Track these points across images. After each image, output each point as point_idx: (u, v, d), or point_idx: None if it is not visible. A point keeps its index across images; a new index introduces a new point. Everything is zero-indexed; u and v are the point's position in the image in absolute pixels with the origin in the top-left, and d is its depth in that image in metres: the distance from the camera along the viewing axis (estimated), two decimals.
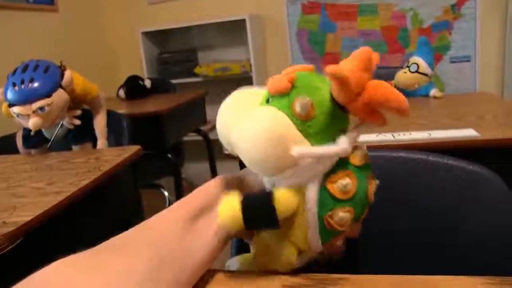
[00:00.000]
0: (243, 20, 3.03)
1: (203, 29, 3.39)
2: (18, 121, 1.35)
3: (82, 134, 1.54)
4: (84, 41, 3.28)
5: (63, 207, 0.98)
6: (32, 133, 1.36)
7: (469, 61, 3.01)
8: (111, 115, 1.66)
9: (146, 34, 3.30)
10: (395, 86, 1.67)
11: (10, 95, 1.28)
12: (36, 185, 1.12)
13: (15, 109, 1.28)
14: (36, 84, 1.29)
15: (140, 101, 2.53)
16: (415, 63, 1.64)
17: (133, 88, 2.57)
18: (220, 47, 3.43)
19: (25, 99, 1.27)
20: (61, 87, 1.35)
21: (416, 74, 1.63)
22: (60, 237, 1.07)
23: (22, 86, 1.28)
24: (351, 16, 3.14)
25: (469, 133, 1.08)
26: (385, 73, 1.91)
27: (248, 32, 3.04)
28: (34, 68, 1.32)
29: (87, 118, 1.56)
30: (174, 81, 3.08)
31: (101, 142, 1.57)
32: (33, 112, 1.27)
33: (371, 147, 1.07)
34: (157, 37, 3.41)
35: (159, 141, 2.16)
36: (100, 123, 1.58)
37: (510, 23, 2.85)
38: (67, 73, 1.37)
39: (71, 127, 1.44)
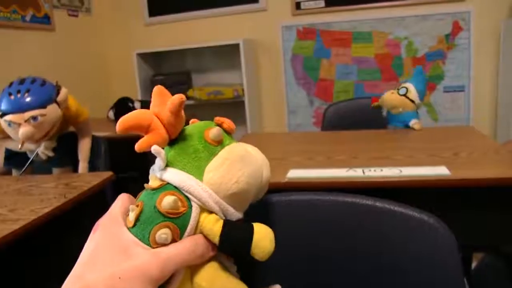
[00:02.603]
0: (237, 45, 3.03)
1: (197, 53, 3.40)
2: (7, 134, 1.34)
3: (64, 158, 1.53)
4: (80, 61, 3.30)
5: (18, 235, 0.95)
6: (19, 147, 1.33)
7: (463, 91, 2.99)
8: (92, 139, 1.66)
9: (141, 56, 3.31)
10: (379, 105, 1.66)
11: (4, 104, 1.28)
12: None
13: (8, 117, 1.26)
14: (32, 95, 1.29)
15: None
16: (405, 87, 1.62)
17: (122, 110, 2.56)
18: (214, 71, 3.44)
19: (19, 108, 1.26)
20: (56, 103, 1.35)
21: (403, 97, 1.61)
22: (15, 267, 1.04)
23: (18, 96, 1.27)
24: (345, 42, 3.15)
25: (440, 171, 1.05)
26: (368, 103, 1.88)
27: (242, 56, 3.04)
28: (31, 82, 1.32)
29: (71, 142, 1.56)
30: None
31: (83, 166, 1.56)
32: (25, 121, 1.26)
33: (328, 185, 1.05)
34: (152, 59, 3.43)
35: (143, 164, 2.13)
36: (84, 147, 1.57)
37: (503, 53, 2.84)
38: (64, 90, 1.37)
39: (45, 157, 1.43)
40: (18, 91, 1.28)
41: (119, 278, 0.37)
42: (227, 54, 3.31)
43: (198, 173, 0.45)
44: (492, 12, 2.86)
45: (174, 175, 0.45)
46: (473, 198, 1.05)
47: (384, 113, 1.68)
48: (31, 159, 1.45)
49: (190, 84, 3.39)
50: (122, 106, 2.57)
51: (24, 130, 1.26)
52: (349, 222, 0.63)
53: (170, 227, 0.42)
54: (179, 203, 0.43)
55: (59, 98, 1.35)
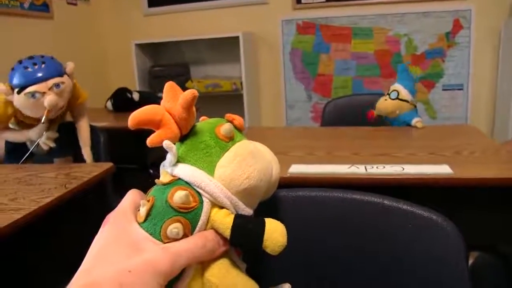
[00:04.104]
0: (237, 37, 3.02)
1: (196, 44, 3.38)
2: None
3: (64, 147, 1.52)
4: (78, 50, 3.27)
5: (18, 226, 0.95)
6: (42, 120, 1.33)
7: (461, 89, 3.00)
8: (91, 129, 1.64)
9: (140, 46, 3.29)
10: (377, 114, 1.66)
11: (23, 78, 1.29)
12: None
13: (31, 88, 1.27)
14: (48, 66, 1.33)
15: (127, 114, 2.44)
16: (395, 90, 1.63)
17: (121, 100, 2.54)
18: (212, 63, 3.43)
19: (42, 76, 1.29)
20: (67, 75, 1.39)
21: (396, 101, 1.61)
22: (13, 259, 1.04)
23: (36, 67, 1.30)
24: (345, 38, 3.14)
25: (443, 170, 1.05)
26: (369, 100, 1.86)
27: (241, 49, 3.03)
28: (41, 56, 1.35)
29: (70, 132, 1.55)
30: None
31: (86, 151, 1.54)
32: (49, 89, 1.29)
33: (331, 180, 1.05)
34: (150, 50, 3.40)
35: (140, 155, 2.13)
36: (83, 132, 1.56)
37: (503, 53, 2.85)
38: (70, 63, 1.40)
39: (46, 148, 1.42)
40: (35, 64, 1.31)
41: (129, 271, 0.37)
42: (226, 47, 3.29)
43: (210, 169, 0.45)
44: (492, 11, 2.86)
45: (185, 171, 0.44)
46: (475, 197, 1.05)
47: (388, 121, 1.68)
48: (31, 150, 1.43)
49: (189, 76, 3.37)
50: (121, 97, 2.56)
51: (50, 98, 1.28)
52: (357, 219, 0.63)
53: (181, 221, 0.42)
54: (191, 198, 0.43)
55: (68, 70, 1.39)
